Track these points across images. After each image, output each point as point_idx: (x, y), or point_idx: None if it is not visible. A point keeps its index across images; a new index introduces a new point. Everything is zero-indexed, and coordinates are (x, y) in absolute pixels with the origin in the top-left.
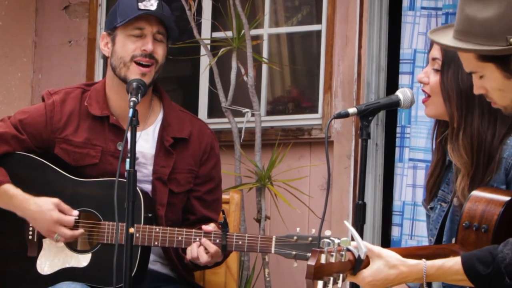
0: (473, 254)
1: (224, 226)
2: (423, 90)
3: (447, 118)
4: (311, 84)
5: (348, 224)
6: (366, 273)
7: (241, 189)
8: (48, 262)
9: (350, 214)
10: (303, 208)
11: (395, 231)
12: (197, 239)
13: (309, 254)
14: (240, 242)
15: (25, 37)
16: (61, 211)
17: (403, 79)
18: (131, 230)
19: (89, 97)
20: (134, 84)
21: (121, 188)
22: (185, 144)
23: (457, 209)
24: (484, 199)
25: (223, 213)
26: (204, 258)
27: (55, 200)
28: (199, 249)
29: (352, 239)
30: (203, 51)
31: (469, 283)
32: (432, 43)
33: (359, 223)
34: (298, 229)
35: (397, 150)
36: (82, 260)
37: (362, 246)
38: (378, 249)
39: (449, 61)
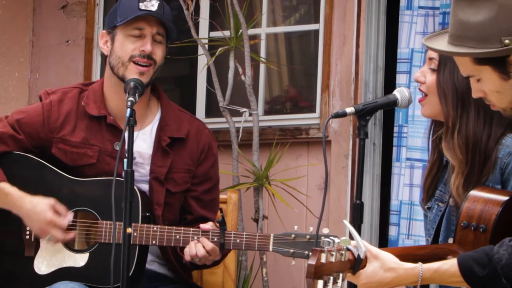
0: (469, 255)
1: (222, 224)
2: (420, 89)
3: (443, 118)
4: (308, 83)
5: (348, 223)
6: (362, 275)
7: (238, 189)
8: (45, 261)
9: (348, 214)
10: (301, 207)
11: (392, 231)
12: (195, 238)
13: (307, 252)
14: (238, 240)
15: (23, 36)
16: (56, 212)
17: (401, 79)
18: (129, 230)
19: (87, 96)
20: (132, 83)
21: (119, 187)
22: (182, 144)
23: (453, 209)
24: (483, 199)
25: (221, 212)
26: (201, 251)
27: (51, 200)
28: (197, 245)
29: (352, 238)
30: (200, 50)
31: (465, 285)
32: None
33: (356, 222)
34: (296, 227)
35: (394, 149)
36: (80, 260)
37: (362, 245)
38: (375, 250)
39: (446, 60)
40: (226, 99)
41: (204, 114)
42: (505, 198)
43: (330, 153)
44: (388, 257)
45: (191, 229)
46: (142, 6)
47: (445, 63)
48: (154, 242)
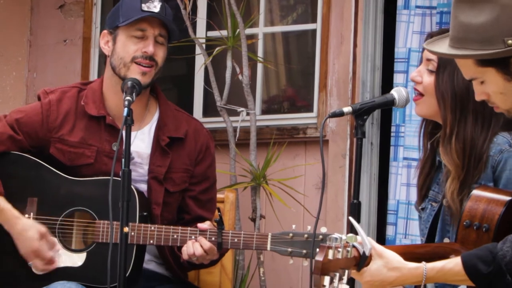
0: (473, 253)
1: (219, 223)
2: (416, 89)
3: (437, 118)
4: (306, 83)
5: (353, 220)
6: (366, 272)
7: (236, 188)
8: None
9: (345, 213)
10: (298, 207)
11: (389, 230)
12: (193, 237)
13: (305, 251)
14: (235, 240)
15: (20, 36)
16: (45, 241)
17: (398, 78)
18: (126, 229)
19: (86, 96)
20: (129, 83)
21: (116, 187)
22: (181, 144)
23: (447, 209)
24: (485, 199)
25: (219, 211)
26: (199, 250)
27: (42, 228)
28: (194, 244)
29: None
30: (198, 50)
31: (470, 283)
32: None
33: None
34: (293, 226)
35: (391, 149)
36: (77, 260)
37: (367, 242)
38: (380, 248)
39: (445, 63)
40: (223, 99)
41: (202, 114)
42: (508, 198)
43: (328, 152)
44: (392, 256)
45: (189, 228)
46: (144, 7)
47: (444, 66)
48: (151, 241)
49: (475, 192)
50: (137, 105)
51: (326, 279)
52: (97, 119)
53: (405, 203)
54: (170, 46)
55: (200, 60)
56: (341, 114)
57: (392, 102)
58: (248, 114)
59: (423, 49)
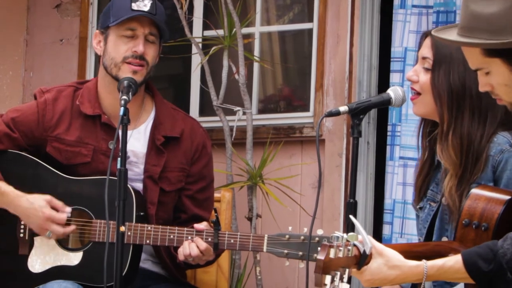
0: (473, 251)
1: (216, 224)
2: (412, 88)
3: (435, 117)
4: (302, 82)
5: (354, 219)
6: (366, 271)
7: (232, 188)
8: (39, 260)
9: (342, 213)
10: (295, 206)
11: (385, 229)
12: (189, 238)
13: (301, 253)
14: (232, 241)
15: (17, 35)
16: (54, 207)
17: (394, 77)
18: (122, 228)
19: (81, 95)
20: (125, 82)
21: (113, 186)
22: (177, 143)
23: (446, 208)
24: (484, 197)
25: (215, 212)
26: (195, 251)
27: (47, 197)
28: (191, 244)
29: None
30: (194, 49)
31: (470, 281)
32: (422, 41)
33: (350, 221)
34: (290, 227)
35: (388, 148)
36: (74, 259)
37: (368, 241)
38: (380, 247)
39: (440, 60)
40: (219, 98)
41: (198, 113)
42: (507, 197)
43: (324, 152)
44: (392, 254)
45: (185, 229)
46: (134, 6)
47: (439, 63)
48: (148, 241)
49: (474, 191)
50: (133, 104)
51: (328, 278)
52: (93, 118)
53: (401, 202)
54: (166, 45)
55: (197, 60)
56: (337, 113)
57: (388, 102)
58: (244, 113)
59: (419, 48)
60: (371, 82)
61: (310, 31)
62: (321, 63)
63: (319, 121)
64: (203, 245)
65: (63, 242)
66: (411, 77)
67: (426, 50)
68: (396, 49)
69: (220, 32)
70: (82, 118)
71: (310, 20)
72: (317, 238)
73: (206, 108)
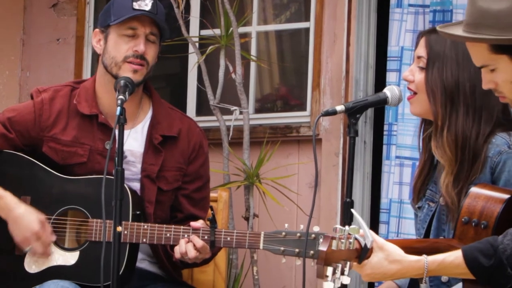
0: (474, 247)
1: (212, 222)
2: (409, 88)
3: (431, 116)
4: (299, 81)
5: (355, 212)
6: (367, 265)
7: (229, 187)
8: (36, 260)
9: (339, 212)
10: (292, 206)
11: (381, 229)
12: (186, 236)
13: (298, 250)
14: (228, 238)
15: (13, 35)
16: (44, 228)
17: (390, 77)
18: (119, 228)
19: (78, 95)
20: (122, 82)
21: (109, 186)
22: (174, 142)
23: (443, 208)
24: (484, 196)
25: (212, 209)
26: (192, 253)
27: (42, 217)
28: (187, 245)
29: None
30: (191, 49)
31: (470, 276)
32: (418, 40)
33: (347, 220)
34: (286, 225)
35: (384, 147)
36: (70, 258)
37: (369, 235)
38: (381, 241)
39: (434, 58)
40: (216, 98)
41: (195, 112)
42: (507, 196)
43: (321, 151)
44: (393, 249)
45: (182, 227)
46: (135, 5)
47: (433, 61)
48: (144, 240)
49: (474, 189)
50: (130, 104)
51: (329, 270)
52: (90, 117)
53: (398, 202)
54: (163, 45)
55: (193, 59)
56: (333, 112)
57: (385, 101)
58: (241, 113)
59: (415, 48)
60: (367, 81)
61: (307, 30)
62: (318, 62)
63: (316, 120)
64: (199, 243)
65: (59, 242)
66: (407, 77)
67: (421, 49)
68: (392, 48)
69: (217, 31)
70: (79, 117)
71: (307, 19)
72: (313, 235)
73: (203, 107)
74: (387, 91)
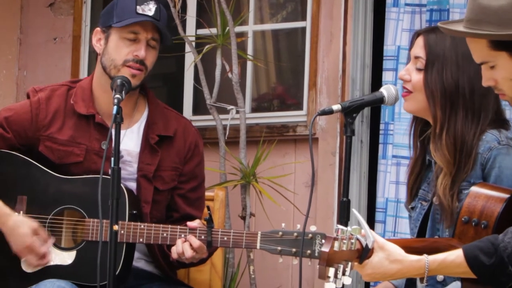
0: (474, 245)
1: (209, 222)
2: (405, 87)
3: (425, 115)
4: (296, 81)
5: (356, 212)
6: (367, 265)
7: (225, 186)
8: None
9: (335, 211)
10: (288, 205)
11: (378, 228)
12: (182, 236)
13: (294, 250)
14: (225, 238)
15: (10, 34)
16: (38, 236)
17: (387, 76)
18: (115, 227)
19: (75, 94)
20: (118, 81)
21: (106, 185)
22: (170, 142)
23: (437, 207)
24: (484, 195)
25: (208, 209)
26: (188, 252)
27: (34, 224)
28: (184, 244)
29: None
30: (187, 48)
31: (471, 275)
32: (414, 40)
33: (343, 220)
34: (283, 224)
35: (380, 146)
36: (67, 258)
37: (370, 235)
38: (382, 241)
39: (433, 60)
40: (213, 97)
41: (191, 112)
42: (507, 195)
43: (317, 150)
44: (394, 249)
45: (178, 227)
46: (139, 9)
47: (432, 63)
48: (141, 240)
49: (474, 188)
50: (126, 104)
51: (331, 271)
52: (86, 117)
53: (394, 201)
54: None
55: (190, 58)
56: (330, 112)
57: (381, 100)
58: (237, 112)
59: (411, 47)
60: (364, 81)
61: (303, 29)
62: (314, 61)
63: (312, 119)
64: (196, 243)
65: (56, 242)
66: (403, 76)
67: (419, 49)
68: (389, 47)
69: (214, 30)
70: (76, 117)
71: (304, 18)
72: (310, 235)
73: (199, 106)
74: (383, 90)
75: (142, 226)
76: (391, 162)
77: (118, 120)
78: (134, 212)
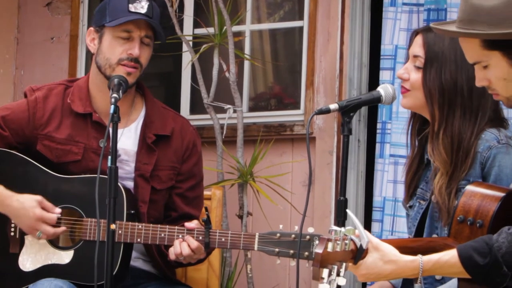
0: (469, 245)
1: (207, 223)
2: (403, 86)
3: (423, 112)
4: (293, 80)
5: (351, 213)
6: (362, 265)
7: (223, 185)
8: (30, 258)
9: (333, 210)
10: (285, 204)
11: (375, 227)
12: (180, 236)
13: (292, 251)
14: (223, 239)
15: (8, 33)
16: (44, 208)
17: (384, 75)
18: (113, 226)
19: (72, 93)
20: (116, 80)
21: (104, 184)
22: (167, 141)
23: (435, 206)
24: (479, 194)
25: (206, 210)
26: (186, 250)
27: (38, 197)
28: (182, 243)
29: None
30: (185, 47)
31: (466, 275)
32: (412, 38)
33: (340, 219)
34: (281, 226)
35: (377, 146)
36: (65, 257)
37: (365, 236)
38: (376, 241)
39: (432, 59)
40: (210, 96)
41: (189, 111)
42: (502, 194)
43: (315, 149)
44: (388, 249)
45: (176, 227)
46: (131, 8)
47: (431, 62)
48: (139, 240)
49: (469, 187)
50: (123, 102)
51: (325, 272)
52: (84, 116)
53: (392, 200)
54: (157, 43)
55: (187, 58)
56: (327, 111)
57: (378, 99)
58: (235, 111)
59: (409, 46)
60: (361, 80)
61: (300, 29)
62: (311, 61)
63: (309, 118)
64: (194, 243)
65: (54, 241)
66: (402, 75)
67: (417, 48)
68: (386, 46)
69: (211, 30)
70: (73, 116)
71: (301, 18)
72: (308, 236)
73: (196, 106)
74: (380, 89)
75: (139, 226)
76: (389, 161)
77: (115, 119)
78: (132, 211)
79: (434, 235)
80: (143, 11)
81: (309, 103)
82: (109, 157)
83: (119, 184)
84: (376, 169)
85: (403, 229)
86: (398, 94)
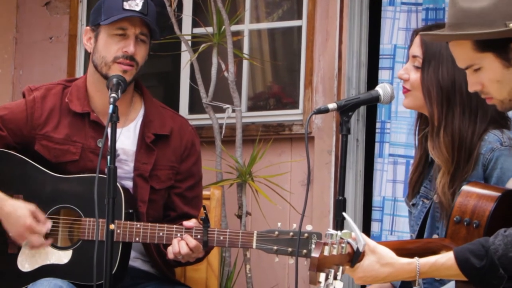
0: (465, 248)
1: (205, 221)
2: (404, 87)
3: (424, 111)
4: (292, 79)
5: (347, 216)
6: (359, 268)
7: (222, 185)
8: (28, 259)
9: (331, 210)
10: (284, 204)
11: (374, 227)
12: (178, 235)
13: (290, 249)
14: (221, 238)
15: (6, 33)
16: (36, 218)
17: (383, 75)
18: (112, 226)
19: (70, 93)
20: (114, 80)
21: (102, 184)
22: (166, 141)
23: (437, 205)
24: (476, 194)
25: (204, 209)
26: (184, 249)
27: (32, 207)
28: (180, 242)
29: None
30: (183, 47)
31: (462, 277)
32: (412, 39)
33: (339, 218)
34: (279, 224)
35: (377, 145)
36: (63, 257)
37: (361, 239)
38: (373, 244)
39: (430, 58)
40: (209, 96)
41: (188, 111)
42: (498, 194)
43: (313, 149)
44: (385, 252)
45: (174, 226)
46: (126, 5)
47: (429, 61)
48: (137, 239)
49: (465, 187)
50: (122, 102)
51: (322, 276)
52: (82, 116)
53: (391, 200)
54: (155, 43)
55: (186, 57)
56: (326, 110)
57: (377, 99)
58: (233, 111)
59: (410, 46)
60: (360, 79)
61: (299, 28)
62: (310, 60)
63: (308, 118)
64: (192, 242)
65: (52, 241)
66: (402, 76)
67: (416, 48)
68: (385, 46)
69: (209, 29)
70: (71, 116)
71: (299, 17)
72: (306, 234)
73: (195, 105)
74: (379, 89)
75: (138, 226)
76: (388, 160)
77: (114, 119)
78: (131, 211)
79: (435, 235)
80: (138, 8)
81: (308, 103)
82: (108, 157)
83: (117, 184)
84: (375, 169)
85: (402, 228)
86: (396, 93)
